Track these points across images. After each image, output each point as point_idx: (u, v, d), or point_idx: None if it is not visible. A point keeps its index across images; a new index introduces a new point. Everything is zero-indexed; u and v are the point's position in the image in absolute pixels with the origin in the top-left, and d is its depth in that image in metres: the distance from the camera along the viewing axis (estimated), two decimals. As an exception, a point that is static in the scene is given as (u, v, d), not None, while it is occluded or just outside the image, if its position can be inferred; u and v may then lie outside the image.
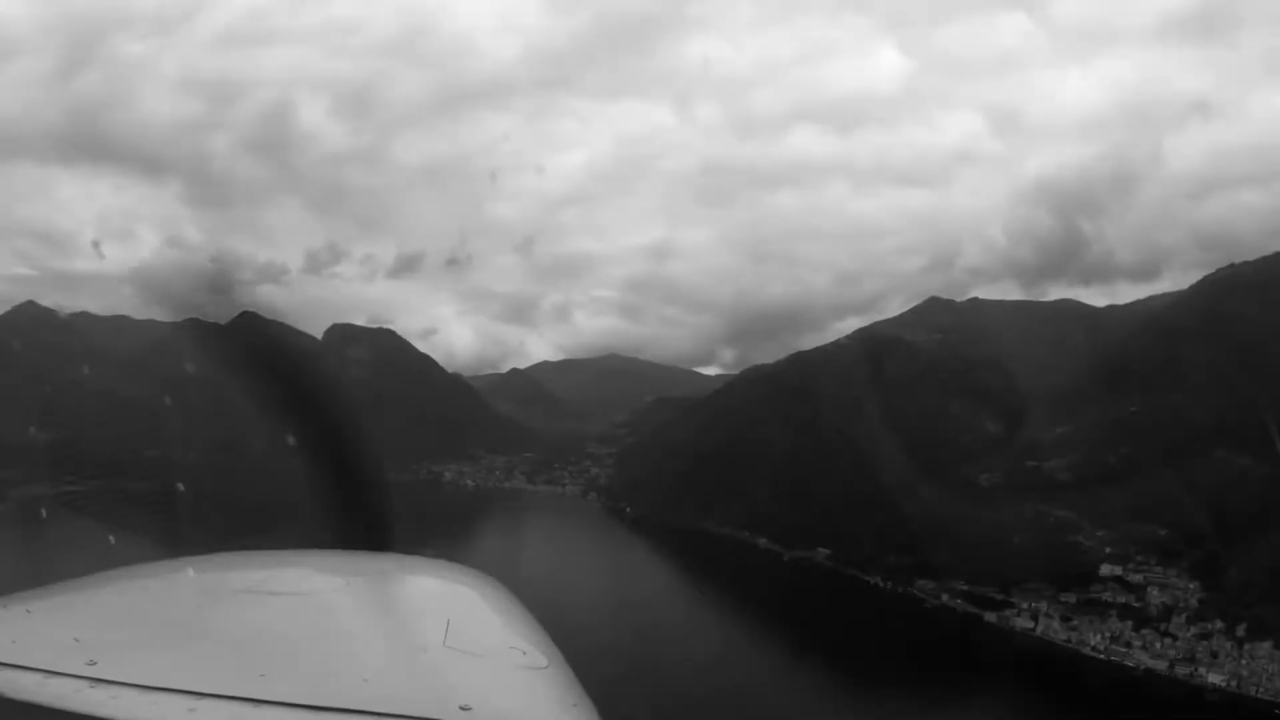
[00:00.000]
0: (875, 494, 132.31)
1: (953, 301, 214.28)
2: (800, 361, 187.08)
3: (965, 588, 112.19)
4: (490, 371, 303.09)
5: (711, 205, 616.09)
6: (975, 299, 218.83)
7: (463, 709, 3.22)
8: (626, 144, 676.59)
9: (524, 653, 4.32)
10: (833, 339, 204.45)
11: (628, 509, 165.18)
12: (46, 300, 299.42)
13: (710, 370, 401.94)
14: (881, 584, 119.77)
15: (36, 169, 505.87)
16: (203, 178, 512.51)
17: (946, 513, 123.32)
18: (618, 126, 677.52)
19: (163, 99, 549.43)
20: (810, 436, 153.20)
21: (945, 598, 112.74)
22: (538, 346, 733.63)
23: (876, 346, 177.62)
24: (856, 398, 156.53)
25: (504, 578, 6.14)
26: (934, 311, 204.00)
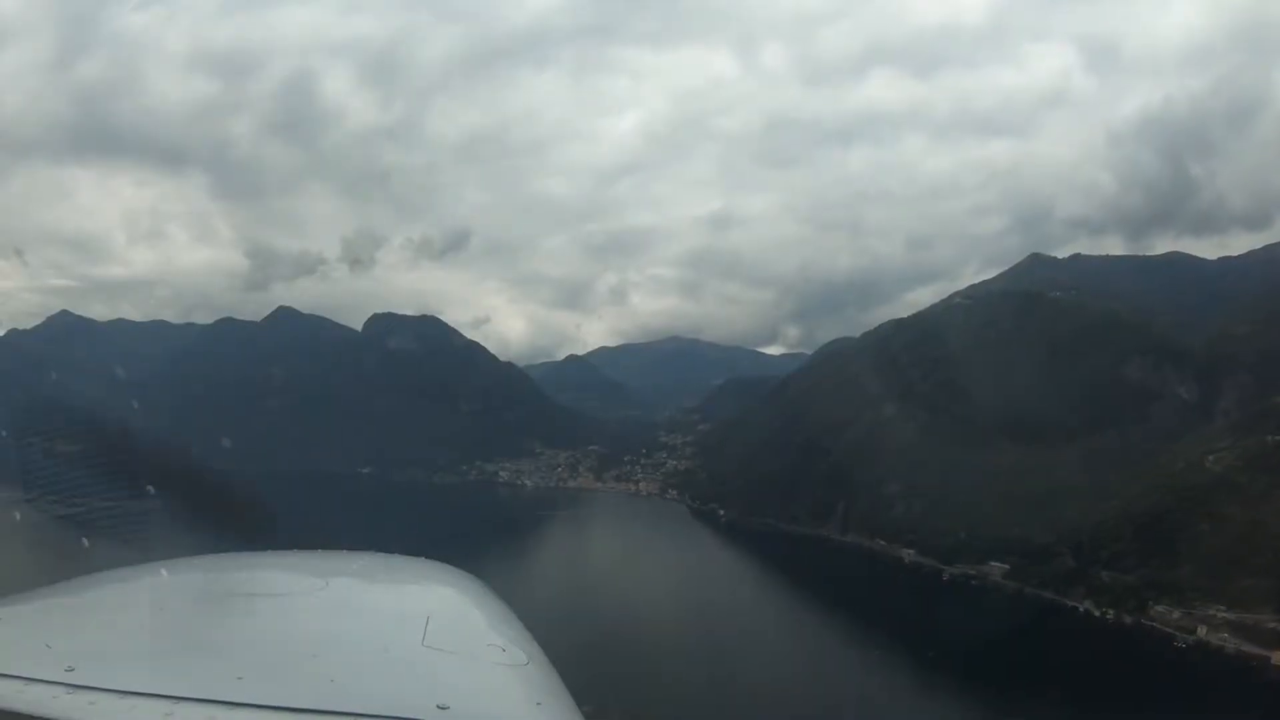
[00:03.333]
0: (1057, 486, 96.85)
1: (1055, 258, 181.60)
2: (906, 328, 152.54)
3: (1229, 616, 76.07)
4: (545, 360, 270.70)
5: (775, 167, 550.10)
6: (1078, 255, 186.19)
7: (440, 708, 3.08)
8: (683, 100, 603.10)
9: (503, 650, 4.12)
10: (907, 311, 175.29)
11: (721, 512, 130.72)
12: (87, 310, 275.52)
13: (774, 350, 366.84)
14: (1096, 611, 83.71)
15: (52, 169, 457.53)
16: (227, 167, 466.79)
17: (1167, 509, 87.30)
18: (673, 80, 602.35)
19: (173, 79, 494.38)
20: (944, 415, 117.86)
21: (1203, 631, 76.63)
22: (594, 332, 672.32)
23: (1007, 304, 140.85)
24: (999, 364, 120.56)
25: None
26: (1039, 269, 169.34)
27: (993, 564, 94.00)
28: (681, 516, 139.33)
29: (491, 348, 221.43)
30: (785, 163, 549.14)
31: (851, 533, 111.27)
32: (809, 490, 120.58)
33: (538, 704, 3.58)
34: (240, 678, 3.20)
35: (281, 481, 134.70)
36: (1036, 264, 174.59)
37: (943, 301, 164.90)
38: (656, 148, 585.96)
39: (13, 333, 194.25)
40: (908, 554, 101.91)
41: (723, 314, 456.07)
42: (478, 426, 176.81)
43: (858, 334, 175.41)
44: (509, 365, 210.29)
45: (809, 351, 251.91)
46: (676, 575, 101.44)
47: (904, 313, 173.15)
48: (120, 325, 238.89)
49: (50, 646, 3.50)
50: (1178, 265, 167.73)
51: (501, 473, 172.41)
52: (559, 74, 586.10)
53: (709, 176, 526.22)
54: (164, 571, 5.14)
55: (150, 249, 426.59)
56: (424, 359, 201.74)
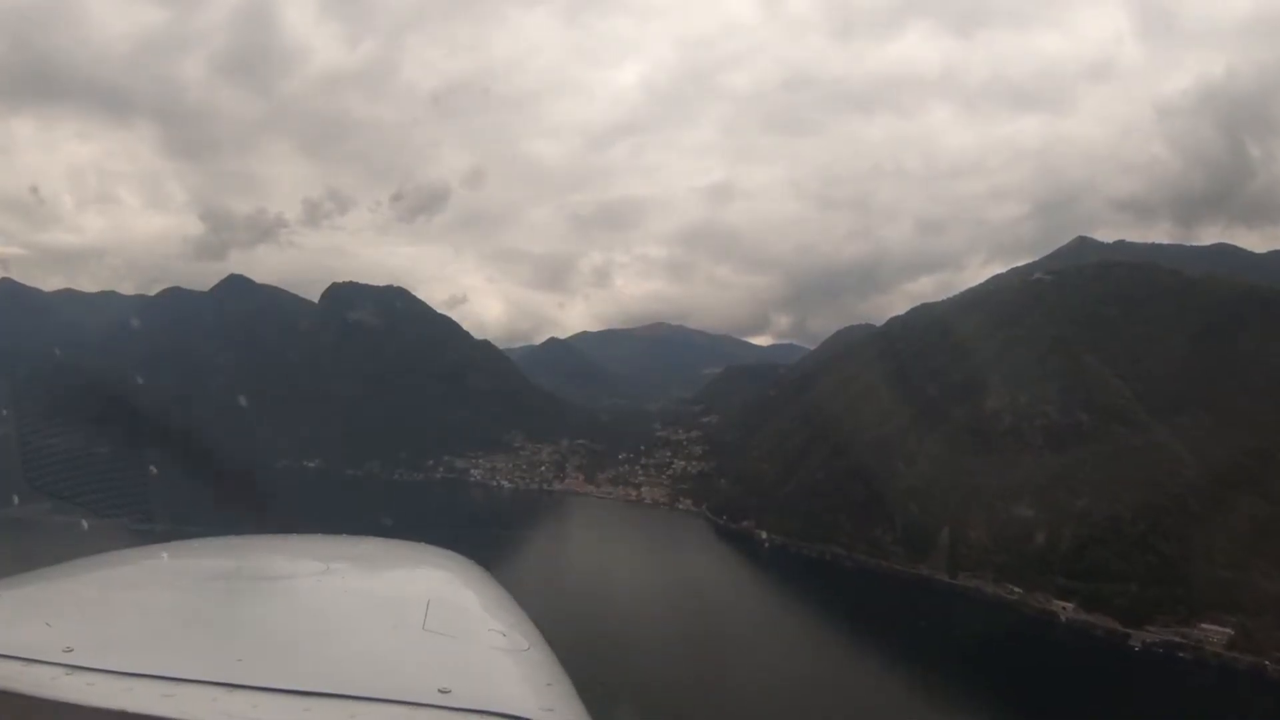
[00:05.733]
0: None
1: (1102, 242, 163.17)
2: (948, 312, 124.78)
3: None
4: (523, 344, 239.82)
5: (785, 134, 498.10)
6: (1123, 241, 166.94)
7: (441, 691, 2.96)
8: (692, 48, 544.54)
9: (504, 635, 3.96)
10: (905, 302, 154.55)
11: (764, 535, 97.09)
12: (36, 280, 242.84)
13: (762, 339, 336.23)
14: None
15: None
16: (178, 116, 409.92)
17: None
18: (683, 22, 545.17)
19: (112, 5, 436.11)
20: (1053, 415, 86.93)
21: None
22: (575, 315, 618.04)
23: (1078, 281, 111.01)
24: (1114, 346, 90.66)
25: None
26: (1087, 253, 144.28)
27: (1205, 627, 62.64)
28: (705, 537, 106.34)
29: (465, 329, 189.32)
30: (797, 129, 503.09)
31: (966, 573, 79.05)
32: (877, 509, 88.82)
33: (548, 684, 3.41)
34: (240, 660, 3.08)
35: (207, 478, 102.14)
36: (1084, 247, 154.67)
37: (993, 280, 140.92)
38: (658, 105, 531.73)
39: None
40: (1063, 609, 70.10)
41: (711, 300, 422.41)
42: (447, 413, 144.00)
43: (851, 323, 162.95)
44: (485, 343, 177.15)
45: (799, 342, 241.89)
46: (731, 645, 65.79)
47: (902, 303, 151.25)
48: (67, 296, 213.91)
49: (49, 627, 3.35)
50: (1226, 257, 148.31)
51: (474, 470, 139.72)
52: (552, 12, 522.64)
53: (712, 142, 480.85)
54: (164, 554, 5.00)
55: (100, 214, 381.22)
56: (388, 334, 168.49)
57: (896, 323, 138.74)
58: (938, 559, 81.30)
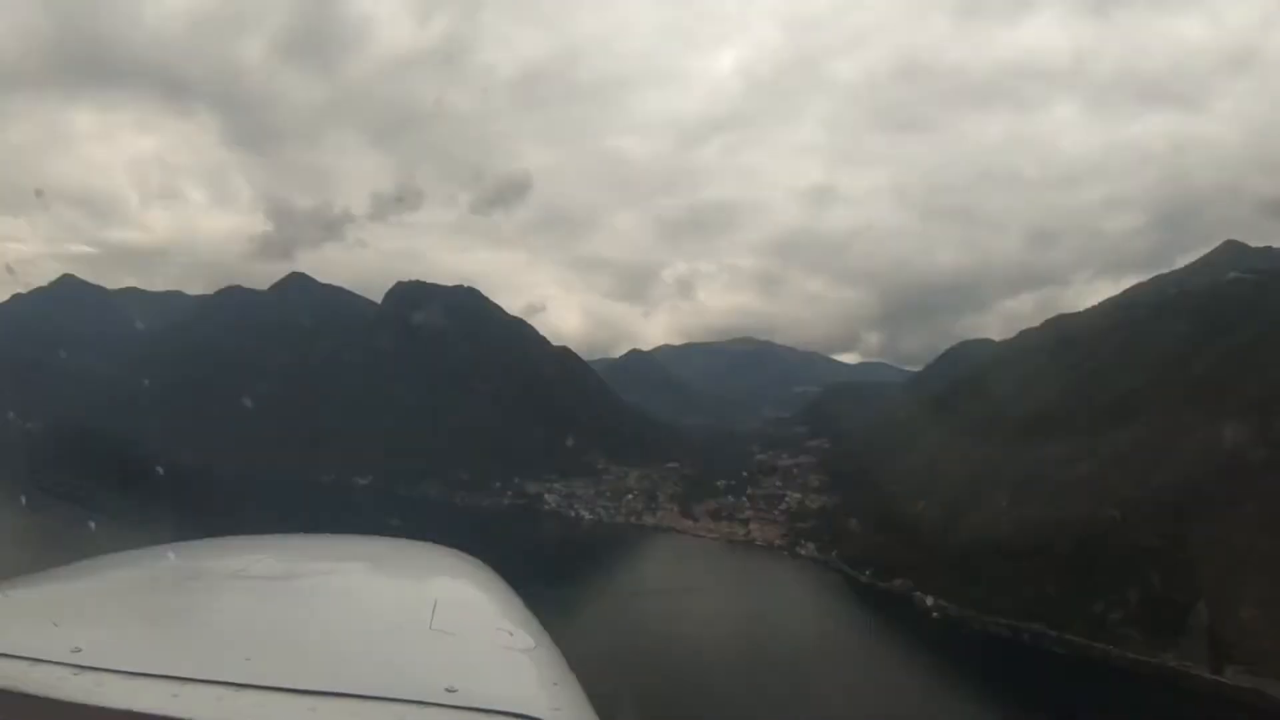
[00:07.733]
0: None
1: (1252, 248, 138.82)
2: (1144, 313, 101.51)
3: None
4: (602, 357, 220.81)
5: (893, 131, 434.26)
6: (1269, 247, 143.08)
7: (449, 690, 3.03)
8: (798, 31, 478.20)
9: (511, 634, 4.00)
10: (1001, 321, 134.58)
11: (930, 602, 75.41)
12: (103, 279, 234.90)
13: (850, 358, 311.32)
14: None
15: (37, 106, 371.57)
16: (239, 104, 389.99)
17: None
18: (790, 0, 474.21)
19: None
20: None
21: None
22: (657, 327, 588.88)
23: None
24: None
25: None
26: (1242, 259, 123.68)
27: None
28: (843, 599, 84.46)
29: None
30: (907, 125, 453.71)
31: (1236, 666, 56.94)
32: (1098, 574, 66.68)
33: (555, 683, 3.45)
34: (248, 659, 3.13)
35: (240, 490, 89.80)
36: (1237, 253, 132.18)
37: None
38: (756, 97, 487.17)
39: (15, 299, 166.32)
40: None
41: (798, 314, 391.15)
42: (519, 429, 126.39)
43: (949, 344, 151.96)
44: (564, 350, 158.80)
45: (891, 361, 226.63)
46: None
47: (995, 324, 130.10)
48: (131, 294, 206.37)
49: (57, 627, 3.43)
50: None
51: (548, 496, 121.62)
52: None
53: (813, 140, 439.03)
54: (171, 554, 5.02)
55: (165, 210, 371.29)
56: (456, 338, 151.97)
57: (1034, 336, 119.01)
58: (1191, 646, 59.32)
